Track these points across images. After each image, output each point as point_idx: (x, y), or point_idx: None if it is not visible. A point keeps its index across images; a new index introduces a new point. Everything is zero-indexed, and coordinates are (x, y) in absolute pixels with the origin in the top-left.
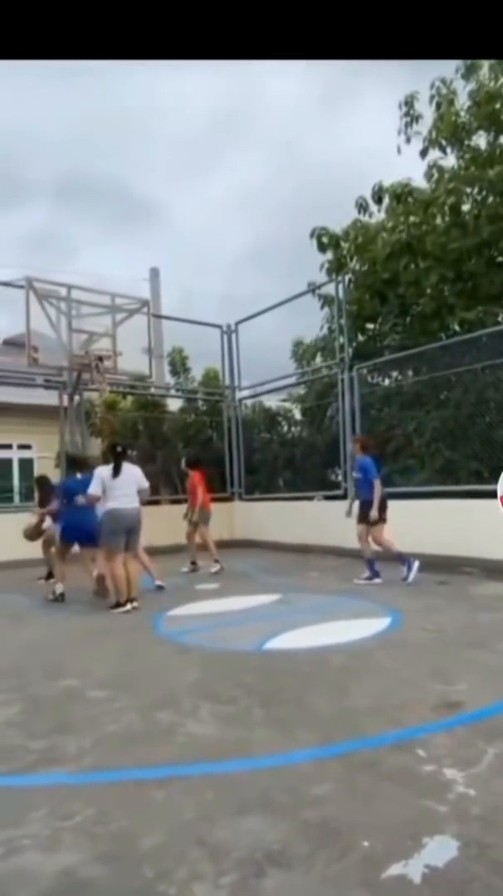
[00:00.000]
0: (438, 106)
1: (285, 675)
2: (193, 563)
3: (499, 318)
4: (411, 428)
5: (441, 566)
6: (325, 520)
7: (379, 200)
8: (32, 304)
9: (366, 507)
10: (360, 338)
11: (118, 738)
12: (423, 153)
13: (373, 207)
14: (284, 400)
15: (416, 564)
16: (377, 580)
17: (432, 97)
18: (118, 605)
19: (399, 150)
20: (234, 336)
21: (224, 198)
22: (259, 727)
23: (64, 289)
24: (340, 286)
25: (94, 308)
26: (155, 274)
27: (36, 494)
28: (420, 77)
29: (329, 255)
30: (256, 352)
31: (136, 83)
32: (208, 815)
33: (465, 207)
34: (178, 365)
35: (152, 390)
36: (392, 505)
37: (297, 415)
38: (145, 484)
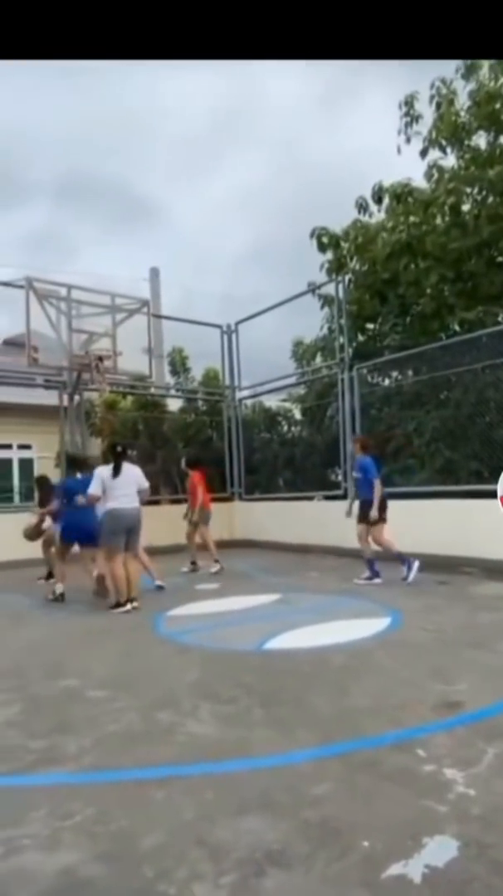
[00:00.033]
0: (438, 106)
1: (285, 674)
2: (193, 563)
3: (499, 318)
4: (411, 428)
5: (441, 566)
6: (325, 520)
7: (379, 200)
8: (32, 304)
9: (366, 506)
10: (360, 338)
11: (118, 737)
12: (423, 153)
13: (373, 207)
14: (284, 400)
15: (416, 564)
16: (377, 580)
17: (432, 97)
18: (118, 605)
19: (399, 150)
20: (234, 336)
21: (224, 198)
22: (259, 727)
23: (64, 289)
24: (340, 286)
25: (94, 308)
26: (155, 274)
27: (36, 494)
28: (420, 77)
29: (329, 255)
30: (256, 352)
31: (136, 83)
32: (208, 815)
33: (465, 207)
34: (178, 365)
35: (152, 390)
36: (392, 505)
37: (297, 415)
38: (145, 484)
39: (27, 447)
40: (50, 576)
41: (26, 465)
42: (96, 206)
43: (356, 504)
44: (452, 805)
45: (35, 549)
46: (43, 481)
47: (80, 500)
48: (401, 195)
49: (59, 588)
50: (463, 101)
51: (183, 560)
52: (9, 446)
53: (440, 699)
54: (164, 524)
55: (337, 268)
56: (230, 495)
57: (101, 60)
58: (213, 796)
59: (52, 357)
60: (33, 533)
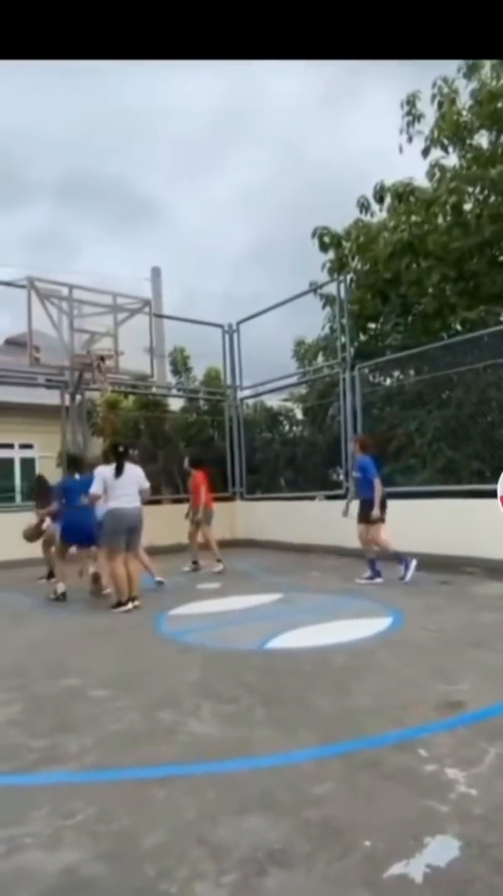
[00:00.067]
0: (440, 105)
1: (287, 674)
2: (195, 562)
3: (501, 318)
4: (413, 427)
5: (442, 566)
6: (327, 519)
7: (380, 200)
8: (34, 303)
9: (366, 506)
10: (362, 337)
11: (120, 737)
12: (425, 152)
13: (375, 207)
14: (286, 399)
15: (414, 563)
16: (378, 580)
17: (434, 96)
18: (119, 604)
19: (401, 150)
20: (235, 336)
21: (226, 197)
22: (260, 726)
23: (65, 288)
24: (342, 286)
25: (95, 308)
26: (156, 273)
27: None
28: (422, 76)
29: (331, 254)
30: (258, 351)
31: (137, 83)
32: (210, 814)
33: (467, 207)
34: (180, 364)
35: (154, 390)
36: (394, 504)
37: (299, 414)
38: (146, 484)
39: (29, 447)
40: (51, 575)
41: (28, 464)
42: (98, 206)
43: (355, 504)
44: (454, 805)
45: (35, 549)
46: (41, 482)
47: (84, 500)
48: (403, 194)
49: (61, 587)
50: (465, 101)
51: (184, 560)
52: (10, 446)
53: (442, 699)
54: (165, 524)
55: (338, 267)
56: (232, 495)
57: (102, 60)
58: (215, 796)
59: (54, 357)
60: (33, 534)
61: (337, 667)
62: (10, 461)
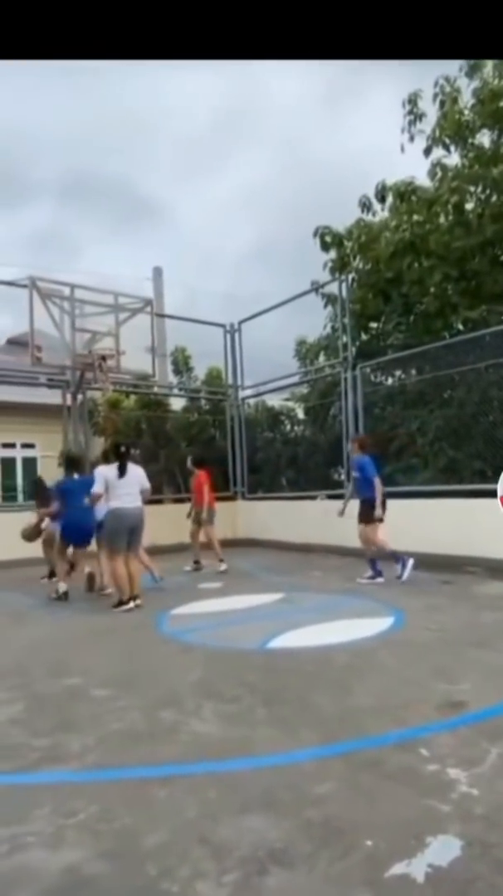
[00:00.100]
0: (442, 104)
1: (288, 673)
2: (196, 562)
3: None
4: (414, 427)
5: (444, 565)
6: (328, 519)
7: (382, 199)
8: (36, 303)
9: (366, 505)
10: (364, 337)
11: (121, 736)
12: (427, 151)
13: (377, 206)
14: (287, 399)
15: (411, 562)
16: (380, 579)
17: (436, 95)
18: (121, 603)
19: (402, 149)
20: (237, 335)
21: (227, 197)
22: (262, 726)
23: (67, 288)
24: (343, 285)
25: (97, 307)
26: (158, 273)
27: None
28: (423, 75)
29: (332, 253)
30: (259, 351)
31: (139, 83)
32: (211, 814)
33: (469, 206)
34: (181, 364)
35: (155, 389)
36: (396, 504)
37: (300, 414)
38: (147, 484)
39: (31, 446)
40: (52, 575)
41: (30, 463)
42: (100, 206)
43: (355, 503)
44: (455, 804)
45: (36, 549)
46: (39, 484)
47: (86, 500)
48: (405, 194)
49: (63, 587)
50: (467, 100)
51: (186, 559)
52: (12, 445)
53: (443, 699)
54: (167, 523)
55: (340, 267)
56: (233, 494)
57: (103, 60)
58: (216, 795)
59: (56, 356)
60: (32, 533)
61: (338, 666)
62: (13, 460)
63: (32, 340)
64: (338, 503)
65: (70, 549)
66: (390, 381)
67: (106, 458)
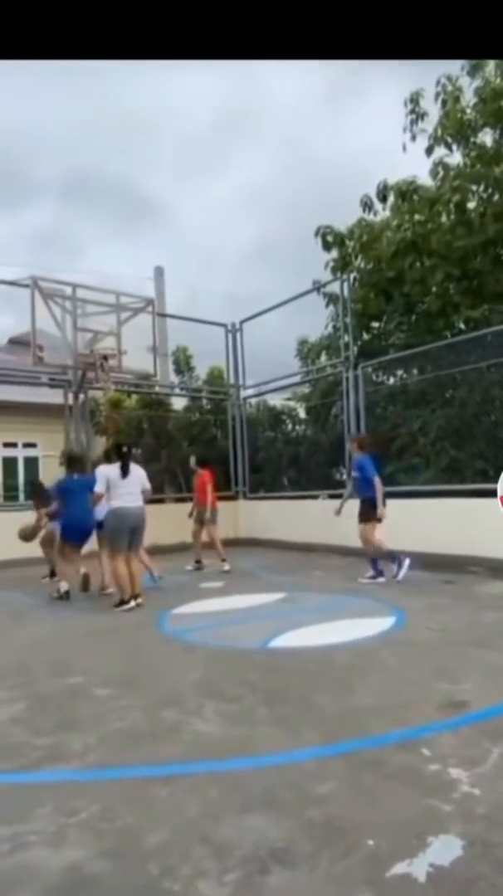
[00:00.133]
0: (444, 103)
1: (290, 673)
2: (198, 561)
3: None
4: (416, 426)
5: (446, 565)
6: (330, 519)
7: (384, 198)
8: (38, 303)
9: (366, 505)
10: (365, 336)
11: (123, 735)
12: (429, 151)
13: (378, 206)
14: (289, 399)
15: (407, 562)
16: (381, 579)
17: (438, 94)
18: (122, 602)
19: (404, 148)
20: (238, 335)
21: (229, 197)
22: (263, 725)
23: (69, 288)
24: (345, 284)
25: (98, 307)
26: (159, 273)
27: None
28: (425, 74)
29: (334, 253)
30: (261, 350)
31: (141, 83)
32: (212, 813)
33: (471, 205)
34: (183, 364)
35: (157, 389)
36: (397, 504)
37: (302, 413)
38: (148, 485)
39: (32, 445)
40: (53, 574)
41: (31, 463)
42: (102, 206)
43: (351, 503)
44: (457, 804)
45: (37, 548)
46: (36, 486)
47: (93, 499)
48: (407, 193)
49: (64, 586)
50: (469, 98)
51: (188, 558)
52: (14, 445)
53: (445, 698)
54: (168, 523)
55: (342, 266)
56: (234, 494)
57: (104, 61)
58: (218, 794)
59: (57, 356)
60: (29, 534)
61: (340, 666)
62: (14, 460)
63: (34, 340)
64: (338, 503)
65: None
66: (392, 380)
67: (107, 458)
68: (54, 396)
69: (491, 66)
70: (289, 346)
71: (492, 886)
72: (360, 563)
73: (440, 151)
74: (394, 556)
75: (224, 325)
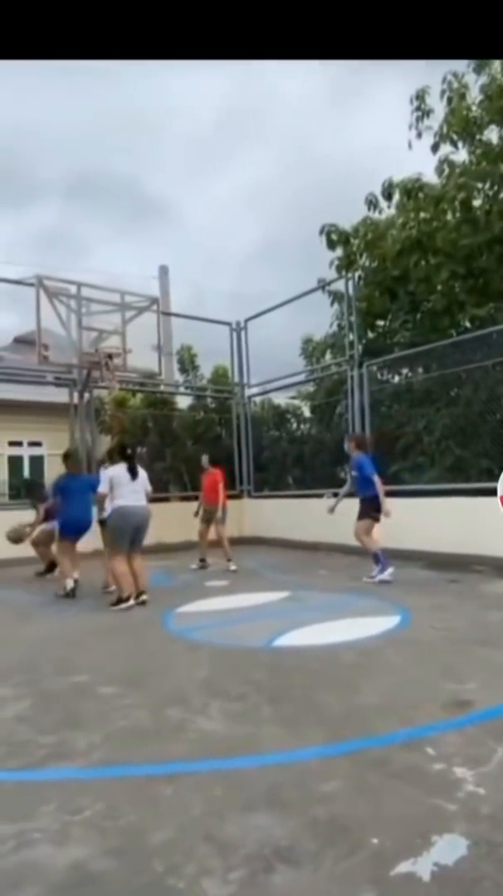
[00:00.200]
0: (450, 100)
1: (294, 672)
2: (202, 560)
3: None
4: (421, 425)
5: (451, 564)
6: (334, 517)
7: (389, 196)
8: (43, 302)
9: (366, 504)
10: (370, 335)
11: (127, 733)
12: (434, 148)
13: (383, 204)
14: (293, 397)
15: (390, 571)
16: (388, 571)
17: (443, 91)
18: (119, 601)
19: (410, 146)
20: (243, 333)
21: (233, 196)
22: (268, 724)
23: (74, 287)
24: (350, 283)
25: (103, 306)
26: (164, 272)
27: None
28: (431, 71)
29: (338, 251)
30: (266, 349)
31: (146, 83)
32: (217, 811)
33: (477, 203)
34: (187, 362)
35: (161, 388)
36: (402, 503)
37: (307, 412)
38: (149, 487)
39: (38, 444)
40: (48, 570)
41: (37, 462)
42: (107, 205)
43: (352, 502)
44: (462, 803)
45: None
46: (32, 485)
47: (96, 499)
48: (412, 191)
49: (70, 584)
50: (474, 96)
51: (192, 557)
52: (19, 443)
53: (450, 698)
54: (173, 521)
55: (346, 265)
56: (239, 493)
57: (110, 61)
58: (222, 792)
59: (63, 355)
60: (18, 537)
61: (344, 665)
62: (20, 459)
63: (39, 339)
64: (346, 501)
65: (54, 547)
66: (397, 379)
67: (111, 458)
68: (59, 395)
69: (496, 63)
70: (293, 345)
71: (497, 886)
72: (365, 562)
73: (446, 149)
74: (380, 559)
75: (229, 324)
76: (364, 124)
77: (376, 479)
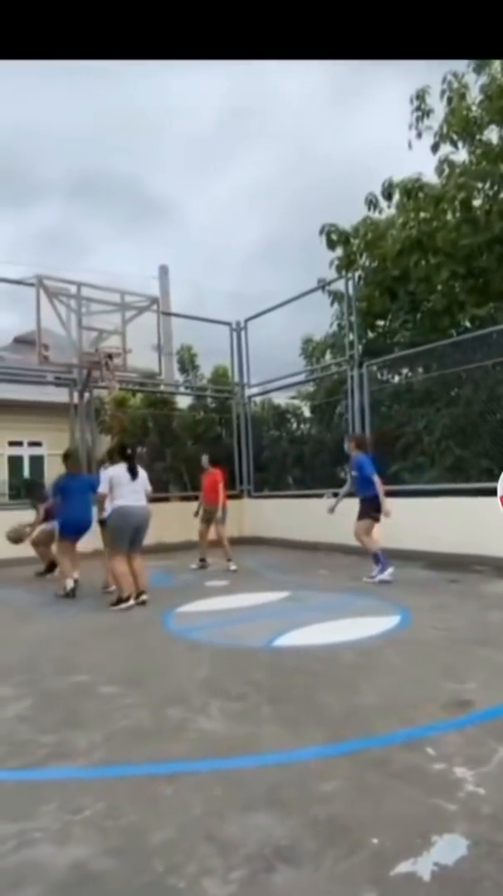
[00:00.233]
0: (450, 100)
1: (295, 672)
2: (202, 560)
3: None
4: (421, 425)
5: (451, 564)
6: (334, 517)
7: (389, 196)
8: (43, 302)
9: (365, 504)
10: (370, 335)
11: (128, 733)
12: (434, 148)
13: (383, 203)
14: (293, 397)
15: (390, 572)
16: (388, 571)
17: (443, 91)
18: (119, 601)
19: (410, 146)
20: (243, 333)
21: (234, 195)
22: (268, 724)
23: (74, 286)
24: (350, 283)
25: (103, 305)
26: (164, 271)
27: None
28: (431, 71)
29: (338, 251)
30: (266, 349)
31: (147, 83)
32: (217, 811)
33: (477, 203)
34: (187, 362)
35: (162, 388)
36: (402, 503)
37: (307, 412)
38: (149, 487)
39: (38, 444)
40: (48, 571)
41: (37, 462)
42: (108, 205)
43: (352, 502)
44: (462, 803)
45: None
46: (32, 485)
47: (96, 499)
48: (412, 191)
49: (70, 584)
50: (474, 95)
51: (192, 557)
52: (19, 443)
53: (450, 698)
54: (173, 521)
55: (346, 264)
56: (239, 492)
57: (111, 61)
58: (222, 792)
59: (63, 355)
60: (17, 538)
61: (345, 665)
62: (20, 459)
63: (39, 339)
64: (346, 501)
65: (54, 547)
66: (397, 379)
67: (111, 458)
68: (59, 395)
69: (496, 63)
70: (293, 345)
71: (497, 886)
72: (365, 563)
73: (446, 149)
74: (380, 560)
75: (229, 324)
76: (364, 124)
77: (376, 479)
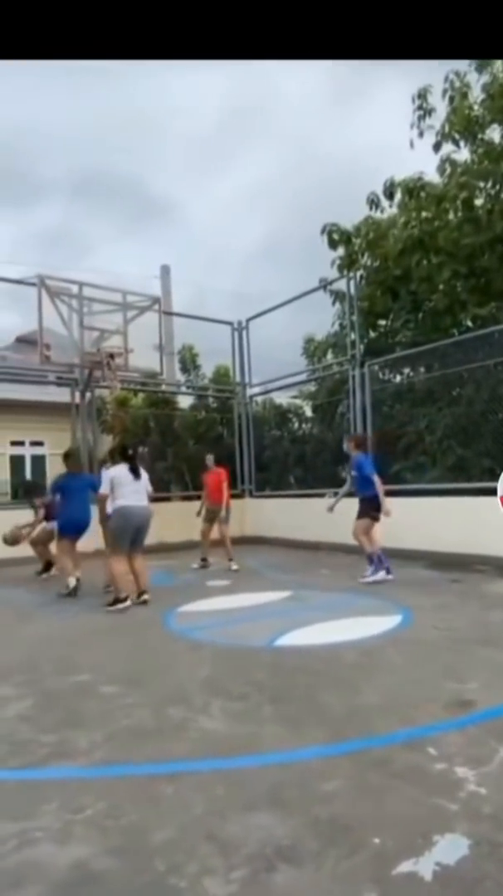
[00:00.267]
0: (452, 99)
1: (296, 671)
2: (204, 559)
3: None
4: (423, 425)
5: (453, 564)
6: (336, 517)
7: (390, 196)
8: (44, 301)
9: (365, 504)
10: (372, 334)
11: (129, 732)
12: (436, 147)
13: (385, 203)
14: (295, 397)
15: (383, 574)
16: (381, 573)
17: (445, 90)
18: (116, 601)
19: (412, 145)
20: (244, 333)
21: (236, 195)
22: (269, 724)
23: (75, 286)
24: (352, 282)
25: (105, 305)
26: (166, 271)
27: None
28: (433, 70)
29: (340, 251)
30: (267, 349)
31: (149, 83)
32: (218, 810)
33: (478, 202)
34: (189, 362)
35: (163, 387)
36: (403, 502)
37: (308, 412)
38: (150, 488)
39: (39, 444)
40: (45, 570)
41: (38, 461)
42: (110, 204)
43: (351, 502)
44: (463, 803)
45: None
46: (31, 486)
47: (97, 498)
48: (414, 190)
49: (72, 583)
50: (476, 94)
51: (194, 556)
52: (21, 443)
53: (452, 697)
54: (175, 520)
55: (348, 264)
56: (241, 492)
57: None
58: (224, 792)
59: (64, 354)
60: (12, 539)
61: (346, 665)
62: (22, 458)
63: (41, 339)
64: (347, 501)
65: (53, 547)
66: (398, 378)
67: (112, 458)
68: (61, 395)
69: (498, 62)
70: (295, 345)
71: (499, 885)
72: (366, 562)
73: (447, 148)
74: (374, 560)
75: (230, 324)
76: (366, 123)
77: (376, 478)
